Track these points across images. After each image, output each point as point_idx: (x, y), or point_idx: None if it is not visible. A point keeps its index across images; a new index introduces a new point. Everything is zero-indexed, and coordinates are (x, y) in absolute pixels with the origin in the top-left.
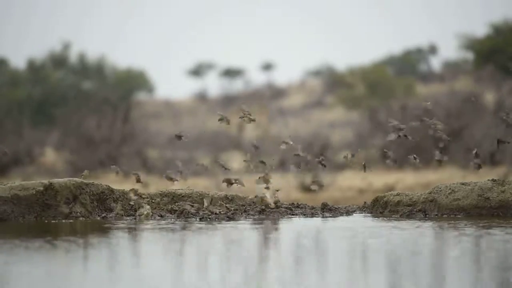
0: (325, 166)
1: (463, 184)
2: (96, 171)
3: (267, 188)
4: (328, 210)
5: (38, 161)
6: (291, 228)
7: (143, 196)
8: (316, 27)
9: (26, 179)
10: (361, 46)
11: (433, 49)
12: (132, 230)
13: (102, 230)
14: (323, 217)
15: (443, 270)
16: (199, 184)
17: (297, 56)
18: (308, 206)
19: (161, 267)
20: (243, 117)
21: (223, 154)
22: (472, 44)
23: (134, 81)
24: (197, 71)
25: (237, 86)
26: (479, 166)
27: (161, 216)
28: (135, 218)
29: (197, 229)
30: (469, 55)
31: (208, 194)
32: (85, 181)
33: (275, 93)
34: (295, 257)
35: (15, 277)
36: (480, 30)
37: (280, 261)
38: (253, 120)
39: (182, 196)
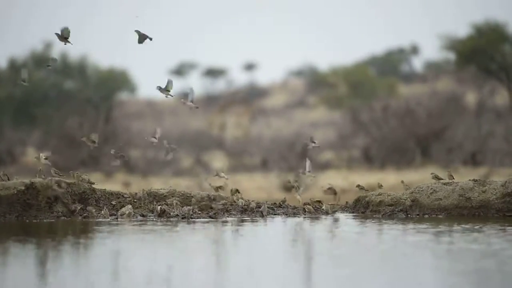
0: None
1: (444, 184)
2: (78, 170)
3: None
4: (315, 210)
5: (19, 161)
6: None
7: (126, 196)
8: (298, 27)
9: (6, 179)
10: (343, 46)
11: (415, 50)
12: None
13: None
14: (305, 217)
15: None
16: (181, 184)
17: (279, 56)
18: (290, 205)
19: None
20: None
21: (205, 153)
22: (454, 45)
23: (116, 80)
24: (180, 71)
25: (219, 86)
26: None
27: (143, 215)
28: (117, 218)
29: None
30: (451, 56)
31: (190, 194)
32: (67, 180)
33: (257, 93)
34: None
35: None
36: (462, 30)
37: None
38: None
39: (165, 196)
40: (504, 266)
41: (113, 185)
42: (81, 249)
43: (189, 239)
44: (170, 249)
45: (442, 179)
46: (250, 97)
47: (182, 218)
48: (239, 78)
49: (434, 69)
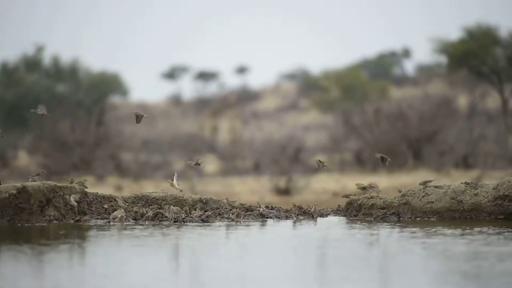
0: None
1: (436, 187)
2: (70, 174)
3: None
4: (302, 213)
5: (11, 165)
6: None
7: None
8: (291, 30)
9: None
10: (336, 50)
11: (406, 53)
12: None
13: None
14: (297, 220)
15: None
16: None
17: (271, 59)
18: (283, 209)
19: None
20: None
21: (197, 157)
22: (446, 48)
23: (108, 84)
24: (172, 74)
25: (211, 89)
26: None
27: (135, 219)
28: (109, 221)
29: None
30: (443, 59)
31: (182, 197)
32: (58, 184)
33: (250, 96)
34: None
35: None
36: (454, 33)
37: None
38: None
39: (157, 199)
40: None
41: (105, 189)
42: (74, 253)
43: (183, 242)
44: (166, 252)
45: (430, 180)
46: (242, 100)
47: (175, 222)
48: (231, 82)
49: (426, 72)
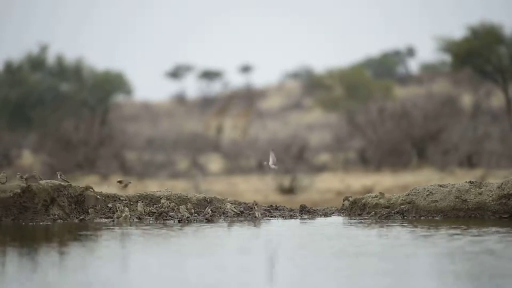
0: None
1: (440, 186)
2: (74, 173)
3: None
4: (307, 212)
5: (15, 164)
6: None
7: (122, 198)
8: (295, 29)
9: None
10: (340, 49)
11: (411, 52)
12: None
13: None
14: (301, 219)
15: None
16: (177, 186)
17: (275, 58)
18: (287, 208)
19: None
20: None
21: (201, 156)
22: (450, 47)
23: (112, 83)
24: (176, 73)
25: (215, 88)
26: None
27: (139, 218)
28: (113, 221)
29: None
30: (447, 58)
31: (187, 196)
32: (63, 183)
33: (254, 95)
34: None
35: None
36: (458, 32)
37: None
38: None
39: (161, 198)
40: None
41: (109, 188)
42: (82, 252)
43: (190, 242)
44: (171, 252)
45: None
46: (246, 99)
47: (179, 221)
48: (236, 81)
49: (430, 71)
